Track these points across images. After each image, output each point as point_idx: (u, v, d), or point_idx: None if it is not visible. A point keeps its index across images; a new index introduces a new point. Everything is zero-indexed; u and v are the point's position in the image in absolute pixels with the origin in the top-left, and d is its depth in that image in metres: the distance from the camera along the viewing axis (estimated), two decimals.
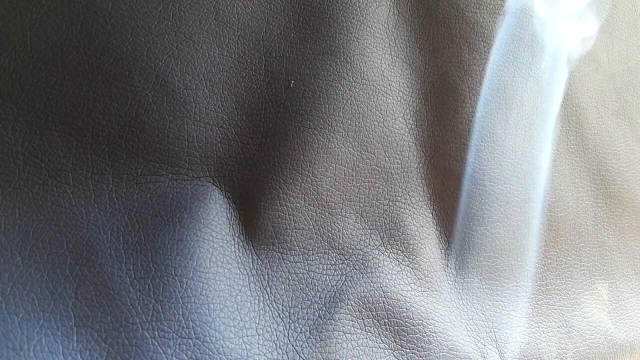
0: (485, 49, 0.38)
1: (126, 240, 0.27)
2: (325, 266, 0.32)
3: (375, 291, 0.32)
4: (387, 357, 0.31)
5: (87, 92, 0.28)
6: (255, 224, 0.31)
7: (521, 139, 0.40)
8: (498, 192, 0.38)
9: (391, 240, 0.34)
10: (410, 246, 0.34)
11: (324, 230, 0.32)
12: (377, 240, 0.34)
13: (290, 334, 0.29)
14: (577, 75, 0.44)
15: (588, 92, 0.44)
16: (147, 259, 0.27)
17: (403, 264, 0.34)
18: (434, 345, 0.33)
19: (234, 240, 0.30)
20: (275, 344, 0.29)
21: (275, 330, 0.29)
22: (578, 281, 0.41)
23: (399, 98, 0.36)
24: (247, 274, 0.30)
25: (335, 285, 0.31)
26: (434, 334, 0.33)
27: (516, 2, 0.40)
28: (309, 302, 0.30)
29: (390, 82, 0.35)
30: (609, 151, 0.45)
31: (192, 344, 0.27)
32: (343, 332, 0.30)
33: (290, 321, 0.30)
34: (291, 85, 0.32)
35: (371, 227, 0.34)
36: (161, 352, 0.26)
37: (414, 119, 0.36)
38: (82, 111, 0.28)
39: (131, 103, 0.28)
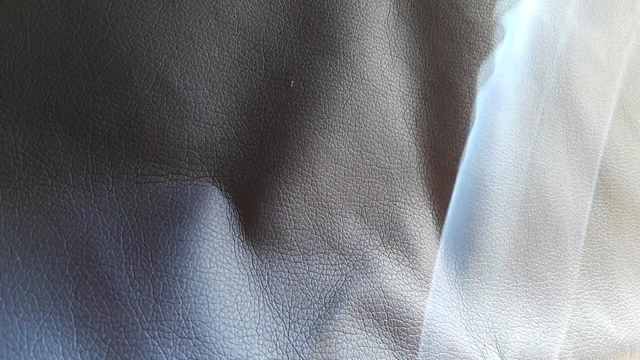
0: (485, 49, 0.38)
1: (126, 240, 0.27)
2: (325, 266, 0.32)
3: (375, 291, 0.32)
4: (387, 357, 0.31)
5: (87, 92, 0.28)
6: (255, 224, 0.31)
7: (521, 139, 0.40)
8: (498, 192, 0.38)
9: (391, 240, 0.34)
10: (410, 246, 0.34)
11: (324, 230, 0.32)
12: (377, 240, 0.34)
13: (290, 334, 0.29)
14: (577, 75, 0.44)
15: (588, 92, 0.44)
16: (147, 259, 0.27)
17: (403, 264, 0.34)
18: (434, 345, 0.33)
19: (234, 240, 0.30)
20: (275, 344, 0.29)
21: (275, 330, 0.29)
22: (578, 281, 0.41)
23: (399, 98, 0.36)
24: (247, 274, 0.30)
25: (335, 285, 0.31)
26: (434, 334, 0.33)
27: (516, 2, 0.40)
28: (309, 302, 0.30)
29: (390, 82, 0.35)
30: (609, 151, 0.45)
31: (192, 344, 0.27)
32: (343, 332, 0.30)
33: (290, 321, 0.30)
34: (291, 85, 0.32)
35: (371, 227, 0.34)
36: (161, 352, 0.26)
37: (414, 119, 0.36)
38: (82, 111, 0.28)
39: (131, 103, 0.28)
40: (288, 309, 0.30)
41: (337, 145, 0.33)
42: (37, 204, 0.26)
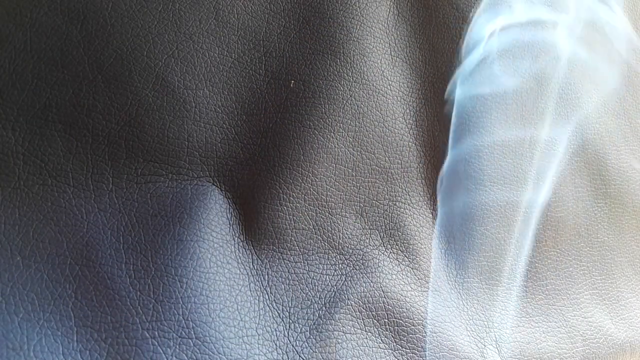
0: (485, 49, 0.38)
1: (126, 240, 0.27)
2: (325, 266, 0.32)
3: (375, 291, 0.32)
4: (387, 357, 0.31)
5: (87, 92, 0.28)
6: (255, 224, 0.31)
7: (521, 139, 0.40)
8: (498, 192, 0.38)
9: (391, 240, 0.34)
10: (410, 246, 0.34)
11: (324, 230, 0.32)
12: (377, 240, 0.34)
13: (290, 334, 0.29)
14: (577, 75, 0.44)
15: (588, 92, 0.44)
16: (147, 259, 0.27)
17: (403, 264, 0.34)
18: (434, 345, 0.33)
19: (234, 240, 0.30)
20: (275, 344, 0.29)
21: (275, 330, 0.29)
22: (578, 281, 0.41)
23: (399, 98, 0.36)
24: (247, 274, 0.30)
25: (335, 285, 0.31)
26: (434, 334, 0.33)
27: (516, 1, 0.40)
28: (309, 302, 0.30)
29: (390, 82, 0.35)
30: (609, 151, 0.45)
31: (192, 344, 0.27)
32: (343, 332, 0.30)
33: (290, 321, 0.30)
34: (291, 85, 0.32)
35: (371, 227, 0.34)
36: (161, 352, 0.26)
37: (414, 119, 0.36)
38: (82, 111, 0.28)
39: (131, 103, 0.28)
40: (288, 309, 0.30)
41: (337, 145, 0.33)
42: (37, 204, 0.26)
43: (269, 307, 0.30)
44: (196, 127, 0.30)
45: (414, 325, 0.32)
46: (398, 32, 0.36)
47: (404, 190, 0.35)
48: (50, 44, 0.27)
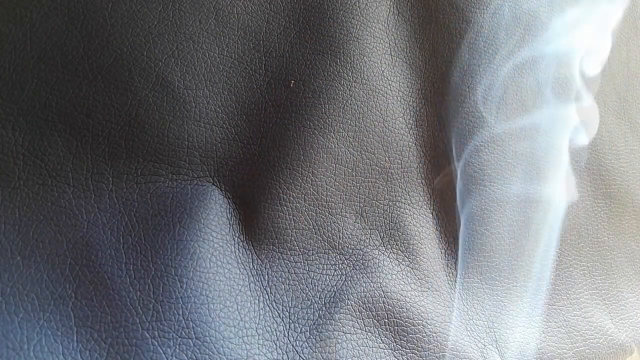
0: (485, 49, 0.38)
1: (126, 240, 0.27)
2: (325, 266, 0.32)
3: (375, 291, 0.32)
4: (387, 357, 0.31)
5: (87, 92, 0.28)
6: (255, 224, 0.31)
7: (521, 139, 0.40)
8: (498, 192, 0.38)
9: (391, 240, 0.34)
10: (410, 246, 0.34)
11: (324, 230, 0.32)
12: (377, 240, 0.34)
13: (290, 334, 0.29)
14: (577, 75, 0.44)
15: (588, 92, 0.44)
16: (147, 259, 0.27)
17: (403, 264, 0.34)
18: (434, 345, 0.33)
19: (234, 240, 0.30)
20: (275, 344, 0.29)
21: (275, 330, 0.29)
22: (578, 281, 0.41)
23: (399, 98, 0.36)
24: (247, 274, 0.30)
25: (335, 285, 0.31)
26: (434, 334, 0.33)
27: (516, 1, 0.40)
28: (309, 302, 0.30)
29: (390, 82, 0.35)
30: (609, 151, 0.45)
31: (192, 344, 0.27)
32: (343, 332, 0.30)
33: (290, 321, 0.30)
34: (291, 85, 0.32)
35: (371, 227, 0.34)
36: (161, 352, 0.26)
37: (414, 119, 0.36)
38: (82, 111, 0.28)
39: (131, 103, 0.28)
40: (288, 309, 0.30)
41: (337, 145, 0.33)
42: (37, 204, 0.26)
43: (269, 307, 0.30)
44: (196, 127, 0.30)
45: (414, 325, 0.32)
46: (398, 32, 0.36)
47: (404, 190, 0.35)
48: (50, 44, 0.27)
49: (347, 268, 0.32)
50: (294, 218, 0.31)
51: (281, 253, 0.31)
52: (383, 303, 0.32)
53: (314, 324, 0.30)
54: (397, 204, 0.35)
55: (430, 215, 0.36)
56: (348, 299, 0.31)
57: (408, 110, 0.36)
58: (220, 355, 0.27)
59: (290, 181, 0.31)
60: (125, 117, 0.28)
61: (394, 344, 0.32)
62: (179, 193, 0.29)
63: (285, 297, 0.30)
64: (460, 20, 0.38)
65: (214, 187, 0.30)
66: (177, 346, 0.26)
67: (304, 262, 0.31)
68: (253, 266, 0.30)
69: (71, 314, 0.25)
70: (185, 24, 0.30)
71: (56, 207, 0.26)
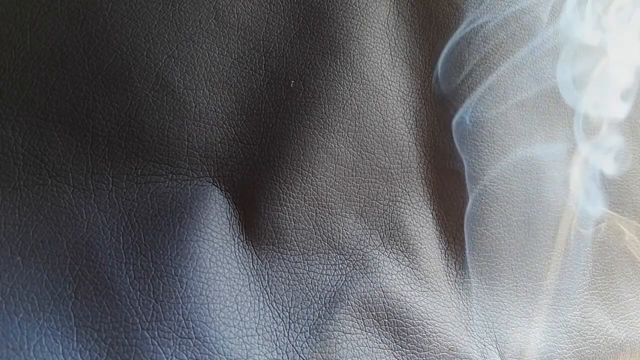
0: (485, 49, 0.38)
1: (126, 240, 0.27)
2: (325, 266, 0.32)
3: (375, 291, 0.32)
4: (387, 357, 0.31)
5: (87, 92, 0.28)
6: (255, 224, 0.31)
7: (521, 139, 0.40)
8: (498, 192, 0.38)
9: (391, 240, 0.34)
10: (410, 246, 0.34)
11: (324, 230, 0.32)
12: (377, 240, 0.34)
13: (290, 334, 0.29)
14: (577, 75, 0.44)
15: (588, 92, 0.44)
16: (147, 259, 0.27)
17: (403, 264, 0.34)
18: (434, 345, 0.33)
19: (234, 240, 0.30)
20: (275, 344, 0.29)
21: (275, 330, 0.29)
22: (578, 281, 0.41)
23: (399, 98, 0.36)
24: (247, 274, 0.30)
25: (335, 285, 0.31)
26: (434, 334, 0.33)
27: (516, 2, 0.40)
28: (309, 302, 0.30)
29: (390, 82, 0.35)
30: (609, 151, 0.45)
31: (192, 344, 0.27)
32: (343, 332, 0.30)
33: (290, 321, 0.30)
34: (291, 85, 0.32)
35: (371, 227, 0.34)
36: (161, 352, 0.26)
37: (414, 119, 0.36)
38: (82, 111, 0.28)
39: (131, 103, 0.28)
40: (288, 309, 0.30)
41: (337, 145, 0.33)
42: (37, 204, 0.26)
43: (269, 307, 0.30)
44: (196, 127, 0.30)
45: (414, 325, 0.32)
46: (398, 32, 0.36)
47: (404, 190, 0.35)
48: (50, 44, 0.27)
49: (347, 268, 0.32)
50: (294, 218, 0.31)
51: (281, 253, 0.31)
52: (383, 303, 0.32)
53: (314, 324, 0.30)
54: (397, 204, 0.35)
55: (430, 215, 0.36)
56: (348, 299, 0.31)
57: (408, 110, 0.36)
58: (220, 355, 0.27)
59: (290, 181, 0.31)
60: (125, 117, 0.28)
61: (394, 344, 0.32)
62: (179, 193, 0.29)
63: (285, 297, 0.30)
64: (460, 20, 0.38)
65: (214, 187, 0.30)
66: (177, 346, 0.26)
67: (304, 262, 0.31)
68: (253, 266, 0.30)
69: (71, 314, 0.25)
70: (185, 24, 0.30)
71: (56, 207, 0.26)
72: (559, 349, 0.37)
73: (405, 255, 0.34)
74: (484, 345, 0.35)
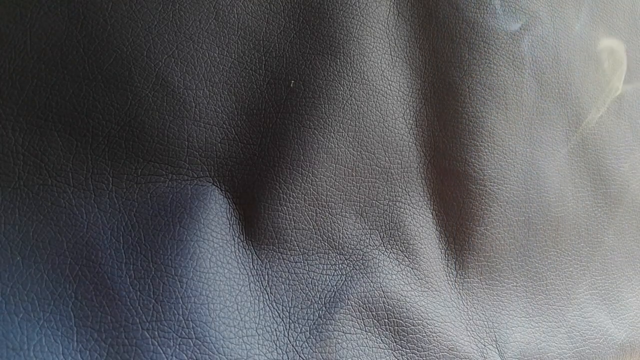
0: (485, 49, 0.38)
1: (126, 240, 0.27)
2: (325, 266, 0.32)
3: (375, 291, 0.32)
4: (387, 357, 0.31)
5: (87, 92, 0.28)
6: (255, 224, 0.31)
7: (521, 139, 0.40)
8: (498, 192, 0.38)
9: (391, 240, 0.34)
10: (410, 246, 0.34)
11: (324, 230, 0.32)
12: (377, 240, 0.34)
13: (290, 334, 0.29)
14: (577, 75, 0.44)
15: (588, 92, 0.44)
16: (147, 259, 0.27)
17: (403, 264, 0.34)
18: (434, 345, 0.33)
19: (234, 240, 0.30)
20: (275, 344, 0.29)
21: (275, 330, 0.29)
22: (578, 281, 0.41)
23: (399, 98, 0.36)
24: (247, 274, 0.30)
25: (335, 285, 0.31)
26: (434, 334, 0.33)
27: (516, 1, 0.40)
28: (309, 302, 0.30)
29: (390, 82, 0.35)
30: (609, 151, 0.45)
31: (192, 344, 0.27)
32: (343, 332, 0.30)
33: (290, 321, 0.30)
34: (291, 85, 0.32)
35: (371, 227, 0.34)
36: (161, 352, 0.26)
37: (414, 119, 0.36)
38: (82, 111, 0.28)
39: (131, 103, 0.28)
40: (288, 309, 0.30)
41: (337, 145, 0.33)
42: (37, 204, 0.26)
43: (269, 307, 0.30)
44: (196, 127, 0.30)
45: (414, 325, 0.32)
46: (398, 32, 0.36)
47: (404, 190, 0.35)
48: (50, 44, 0.27)
49: (347, 268, 0.32)
50: (294, 218, 0.31)
51: (281, 253, 0.31)
52: (383, 303, 0.32)
53: (314, 324, 0.30)
54: (397, 204, 0.35)
55: (430, 215, 0.36)
56: (348, 299, 0.31)
57: (408, 110, 0.36)
58: (220, 355, 0.27)
59: (290, 181, 0.31)
60: (125, 117, 0.28)
61: (394, 344, 0.32)
62: (179, 193, 0.29)
63: (285, 297, 0.30)
64: (460, 20, 0.38)
65: (214, 187, 0.30)
66: (177, 346, 0.26)
67: (304, 262, 0.31)
68: (253, 266, 0.30)
69: (71, 314, 0.25)
70: (185, 24, 0.30)
71: (56, 207, 0.26)
72: (559, 349, 0.37)
73: (405, 255, 0.34)
74: (484, 345, 0.35)
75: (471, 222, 0.37)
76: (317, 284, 0.31)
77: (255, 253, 0.30)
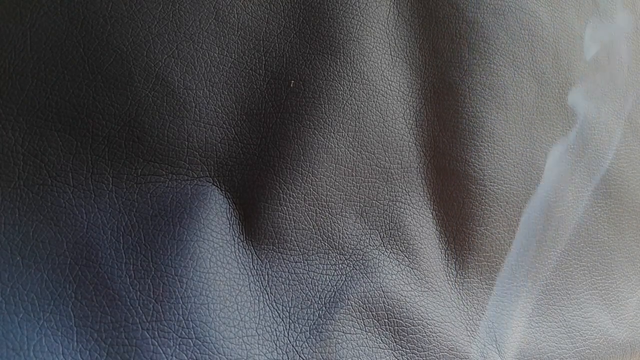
0: (485, 49, 0.38)
1: (126, 240, 0.27)
2: (325, 266, 0.32)
3: (375, 291, 0.32)
4: (387, 357, 0.31)
5: (87, 92, 0.28)
6: (255, 224, 0.31)
7: (521, 139, 0.40)
8: (498, 192, 0.38)
9: (391, 240, 0.34)
10: (410, 246, 0.34)
11: (324, 230, 0.32)
12: (377, 240, 0.34)
13: (290, 334, 0.29)
14: (577, 75, 0.44)
15: (588, 92, 0.44)
16: (147, 259, 0.27)
17: (403, 264, 0.34)
18: (434, 345, 0.33)
19: (234, 240, 0.30)
20: (275, 344, 0.29)
21: (275, 330, 0.29)
22: (578, 281, 0.41)
23: (399, 98, 0.36)
24: (247, 274, 0.30)
25: (335, 285, 0.31)
26: (434, 334, 0.33)
27: (516, 1, 0.40)
28: (309, 302, 0.30)
29: (390, 82, 0.35)
30: (609, 151, 0.45)
31: (192, 344, 0.27)
32: (343, 332, 0.30)
33: (290, 321, 0.30)
34: (291, 85, 0.32)
35: (371, 227, 0.34)
36: (161, 352, 0.26)
37: (414, 119, 0.36)
38: (82, 111, 0.28)
39: (131, 103, 0.28)
40: (288, 309, 0.30)
41: (337, 145, 0.33)
42: (37, 204, 0.26)
43: (269, 307, 0.30)
44: (196, 127, 0.30)
45: (414, 325, 0.32)
46: (398, 32, 0.36)
47: (404, 190, 0.35)
48: (50, 44, 0.27)
49: (347, 268, 0.32)
50: (294, 218, 0.31)
51: (281, 253, 0.31)
52: (383, 303, 0.32)
53: (314, 324, 0.30)
54: (397, 204, 0.35)
55: (430, 215, 0.36)
56: (348, 299, 0.31)
57: (408, 110, 0.36)
58: (220, 355, 0.27)
59: (290, 181, 0.31)
60: (125, 117, 0.28)
61: (394, 344, 0.32)
62: (179, 193, 0.29)
63: (285, 297, 0.30)
64: (460, 20, 0.38)
65: (214, 187, 0.30)
66: (177, 346, 0.26)
67: (304, 262, 0.31)
68: (253, 266, 0.30)
69: (71, 314, 0.25)
70: (185, 24, 0.30)
71: (56, 207, 0.26)
72: (559, 349, 0.37)
73: (405, 255, 0.34)
74: (484, 345, 0.35)
75: (471, 222, 0.37)
76: (317, 284, 0.31)
77: (255, 253, 0.30)
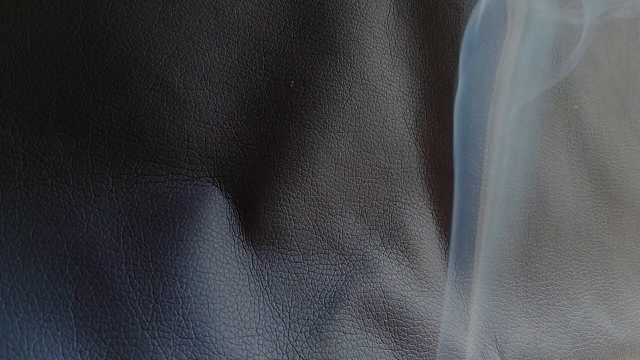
0: (485, 49, 0.38)
1: (126, 240, 0.27)
2: (325, 266, 0.32)
3: (375, 291, 0.32)
4: (387, 357, 0.31)
5: (87, 92, 0.28)
6: (255, 224, 0.31)
7: (521, 138, 0.40)
8: (498, 192, 0.38)
9: (391, 240, 0.34)
10: (410, 246, 0.34)
11: (324, 230, 0.32)
12: (377, 240, 0.34)
13: (290, 334, 0.29)
14: (577, 75, 0.44)
15: (588, 92, 0.44)
16: (147, 259, 0.27)
17: (403, 264, 0.34)
18: (434, 345, 0.33)
19: (234, 240, 0.30)
20: (275, 344, 0.29)
21: (275, 330, 0.29)
22: (578, 281, 0.41)
23: (399, 98, 0.36)
24: (247, 274, 0.30)
25: (335, 285, 0.31)
26: (434, 334, 0.33)
27: (516, 1, 0.40)
28: (309, 302, 0.30)
29: (390, 82, 0.35)
30: (609, 151, 0.45)
31: (192, 344, 0.27)
32: (343, 332, 0.30)
33: (290, 321, 0.30)
34: (291, 85, 0.32)
35: (371, 227, 0.34)
36: (161, 352, 0.26)
37: (414, 119, 0.36)
38: (82, 111, 0.28)
39: (131, 103, 0.28)
40: (288, 309, 0.30)
41: (337, 145, 0.33)
42: (37, 204, 0.26)
43: (269, 307, 0.30)
44: (196, 127, 0.30)
45: (414, 325, 0.32)
46: (398, 32, 0.36)
47: (404, 190, 0.35)
48: (50, 44, 0.27)
49: (347, 268, 0.32)
50: (294, 218, 0.31)
51: (281, 253, 0.31)
52: (383, 303, 0.32)
53: (314, 324, 0.30)
54: (397, 204, 0.35)
55: (430, 215, 0.36)
56: (348, 299, 0.31)
57: (408, 111, 0.36)
58: (220, 355, 0.27)
59: (290, 181, 0.31)
60: (125, 117, 0.28)
61: (394, 344, 0.32)
62: (179, 193, 0.29)
63: (285, 297, 0.30)
64: (460, 20, 0.38)
65: (214, 187, 0.30)
66: (177, 346, 0.26)
67: (304, 262, 0.31)
68: (253, 266, 0.30)
69: (71, 314, 0.25)
70: (185, 24, 0.30)
71: (56, 207, 0.26)
72: (559, 349, 0.37)
73: (405, 255, 0.34)
74: (484, 345, 0.35)
75: (471, 222, 0.37)
76: (317, 284, 0.31)
77: (255, 253, 0.30)
